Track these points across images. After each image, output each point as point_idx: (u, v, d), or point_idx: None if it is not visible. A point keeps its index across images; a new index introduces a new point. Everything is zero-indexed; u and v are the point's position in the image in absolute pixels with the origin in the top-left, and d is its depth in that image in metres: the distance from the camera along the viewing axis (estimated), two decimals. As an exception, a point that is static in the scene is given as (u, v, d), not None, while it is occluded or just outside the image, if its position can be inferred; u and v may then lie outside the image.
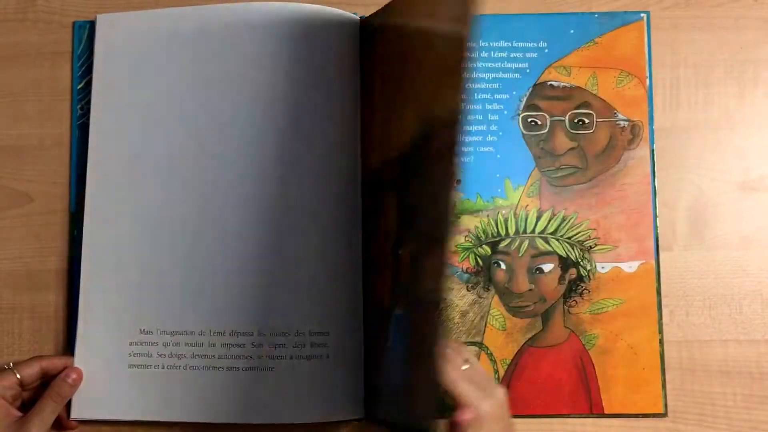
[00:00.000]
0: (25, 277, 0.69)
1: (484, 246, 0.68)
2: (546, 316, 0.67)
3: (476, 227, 0.68)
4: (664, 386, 0.66)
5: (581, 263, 0.68)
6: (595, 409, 0.66)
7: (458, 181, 0.67)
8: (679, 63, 0.70)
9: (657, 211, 0.68)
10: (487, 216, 0.68)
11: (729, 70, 0.70)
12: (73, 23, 0.71)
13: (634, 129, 0.69)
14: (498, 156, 0.68)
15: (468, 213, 0.68)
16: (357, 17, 0.68)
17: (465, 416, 0.54)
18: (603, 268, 0.68)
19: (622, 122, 0.69)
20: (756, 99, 0.70)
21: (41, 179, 0.70)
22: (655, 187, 0.68)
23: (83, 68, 0.70)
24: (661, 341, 0.67)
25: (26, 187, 0.70)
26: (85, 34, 0.70)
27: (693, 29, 0.70)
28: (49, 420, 0.61)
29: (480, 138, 0.68)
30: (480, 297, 0.67)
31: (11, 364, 0.62)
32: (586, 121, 0.69)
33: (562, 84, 0.69)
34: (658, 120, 0.69)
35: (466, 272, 0.67)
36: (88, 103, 0.69)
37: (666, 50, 0.70)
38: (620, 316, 0.67)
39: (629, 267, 0.68)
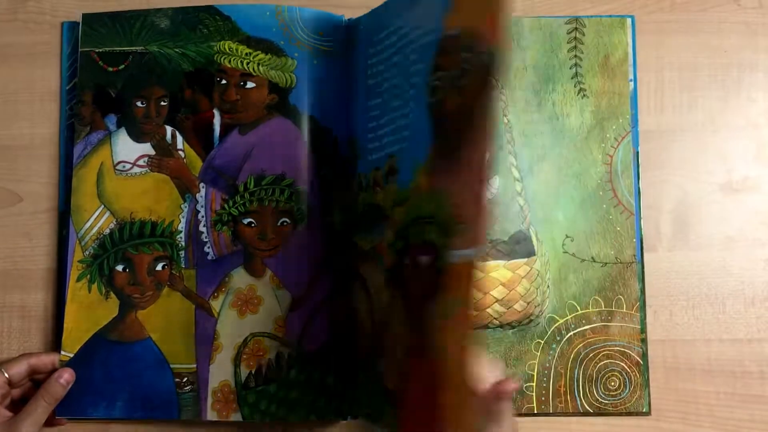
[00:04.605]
0: (14, 276, 0.69)
1: None
2: (532, 316, 0.67)
3: None
4: (647, 385, 0.66)
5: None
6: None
7: None
8: (664, 66, 0.71)
9: (642, 212, 0.68)
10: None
11: (713, 73, 0.71)
12: (62, 24, 0.71)
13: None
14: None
15: None
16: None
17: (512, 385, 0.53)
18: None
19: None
20: (739, 102, 0.71)
21: (31, 179, 0.70)
22: (639, 188, 0.69)
23: (72, 69, 0.70)
24: (644, 340, 0.67)
25: (16, 187, 0.70)
26: (73, 35, 0.70)
27: (677, 33, 0.71)
28: (41, 420, 0.61)
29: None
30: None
31: (-2, 364, 0.62)
32: None
33: None
34: (643, 122, 0.70)
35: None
36: (77, 103, 0.69)
37: (650, 54, 0.71)
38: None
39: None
